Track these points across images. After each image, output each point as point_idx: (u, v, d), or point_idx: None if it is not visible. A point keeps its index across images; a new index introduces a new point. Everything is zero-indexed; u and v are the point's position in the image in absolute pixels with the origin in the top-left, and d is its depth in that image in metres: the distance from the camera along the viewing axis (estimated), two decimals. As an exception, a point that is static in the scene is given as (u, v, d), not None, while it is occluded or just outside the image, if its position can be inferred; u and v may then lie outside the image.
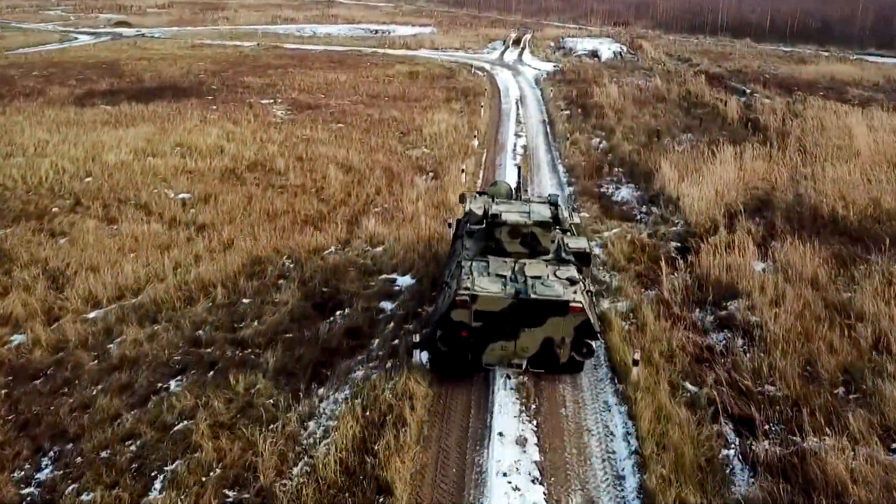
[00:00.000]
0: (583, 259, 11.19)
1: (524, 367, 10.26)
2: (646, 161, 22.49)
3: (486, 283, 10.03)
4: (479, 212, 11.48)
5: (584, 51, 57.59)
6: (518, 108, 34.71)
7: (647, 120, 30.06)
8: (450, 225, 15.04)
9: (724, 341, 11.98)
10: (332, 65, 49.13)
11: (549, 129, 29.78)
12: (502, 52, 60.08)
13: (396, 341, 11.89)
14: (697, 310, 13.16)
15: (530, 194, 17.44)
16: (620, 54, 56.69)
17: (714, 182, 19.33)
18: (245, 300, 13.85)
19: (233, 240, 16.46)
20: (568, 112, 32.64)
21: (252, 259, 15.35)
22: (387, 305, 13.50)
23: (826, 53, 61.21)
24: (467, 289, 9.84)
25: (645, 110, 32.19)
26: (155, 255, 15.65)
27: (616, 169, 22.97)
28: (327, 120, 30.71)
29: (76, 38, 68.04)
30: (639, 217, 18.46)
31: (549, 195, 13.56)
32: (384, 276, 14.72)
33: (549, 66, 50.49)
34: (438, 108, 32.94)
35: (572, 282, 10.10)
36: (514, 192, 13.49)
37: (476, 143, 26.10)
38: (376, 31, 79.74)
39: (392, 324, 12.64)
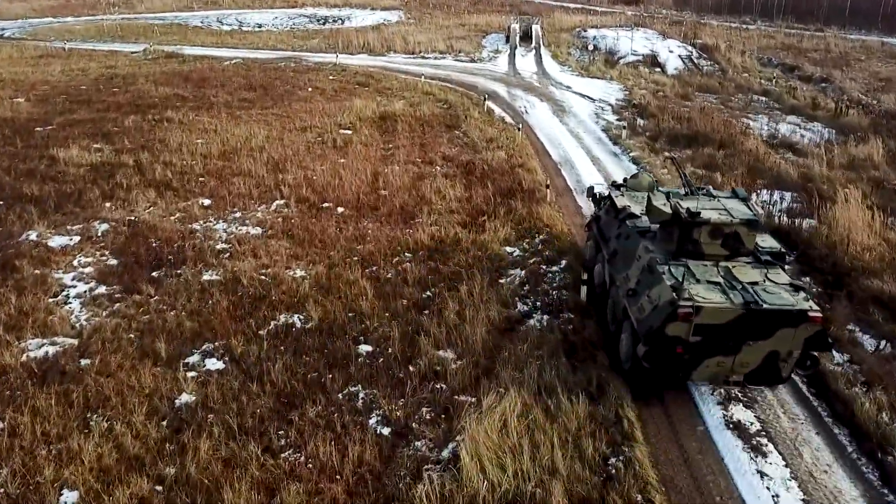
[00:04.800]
0: (779, 259, 10.02)
1: (741, 383, 9.37)
2: None
3: (703, 291, 8.92)
4: (666, 209, 10.03)
5: (634, 55, 38.61)
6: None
7: None
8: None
9: None
10: (247, 97, 29.18)
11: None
12: (511, 57, 40.72)
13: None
14: None
15: None
16: (692, 59, 37.91)
17: None
18: None
19: None
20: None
21: None
22: None
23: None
24: (689, 299, 8.64)
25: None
26: None
27: None
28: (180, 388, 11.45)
29: None
30: None
31: (734, 188, 11.45)
32: None
33: (599, 88, 31.56)
34: (470, 273, 13.88)
35: (795, 287, 9.14)
36: (655, 184, 12.73)
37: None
38: (324, 21, 59.31)
39: None
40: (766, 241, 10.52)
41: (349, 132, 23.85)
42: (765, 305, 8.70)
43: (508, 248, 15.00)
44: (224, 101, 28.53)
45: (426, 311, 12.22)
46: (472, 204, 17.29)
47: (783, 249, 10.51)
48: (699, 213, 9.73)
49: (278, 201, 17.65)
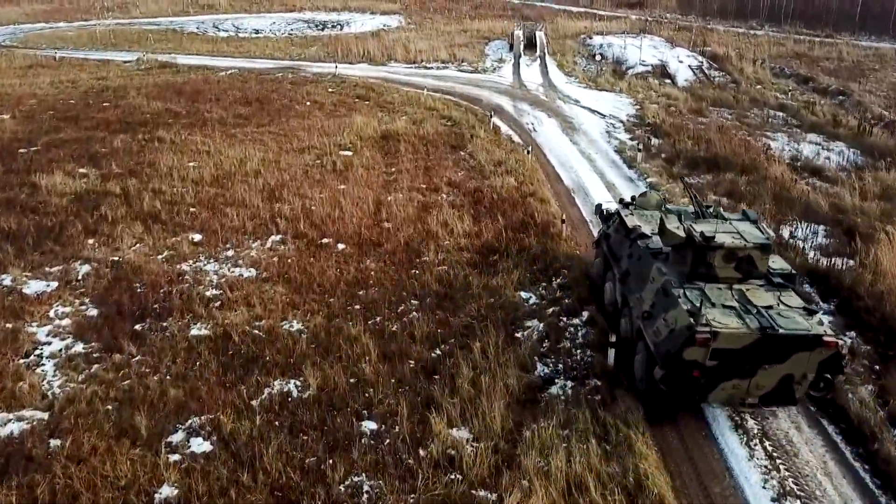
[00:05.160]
0: (789, 280, 10.09)
1: (756, 405, 9.45)
2: None
3: (720, 316, 9.02)
4: (680, 232, 10.23)
5: (643, 65, 37.44)
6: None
7: None
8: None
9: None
10: (243, 113, 28.00)
11: None
12: (515, 67, 39.53)
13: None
14: None
15: None
16: (702, 70, 36.74)
17: None
18: None
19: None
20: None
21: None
22: None
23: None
24: (707, 324, 8.78)
25: None
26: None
27: None
28: None
29: None
30: None
31: (745, 209, 11.52)
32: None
33: (609, 102, 30.45)
34: (483, 326, 12.74)
35: (809, 311, 9.20)
36: (665, 203, 12.93)
37: None
38: (323, 26, 58.13)
39: None
40: (777, 263, 10.54)
41: (349, 153, 22.68)
42: (781, 330, 8.77)
43: (524, 294, 13.81)
44: (218, 117, 27.37)
45: (436, 376, 11.02)
46: (482, 240, 16.10)
47: (793, 271, 10.60)
48: (713, 237, 9.74)
49: (274, 237, 16.45)
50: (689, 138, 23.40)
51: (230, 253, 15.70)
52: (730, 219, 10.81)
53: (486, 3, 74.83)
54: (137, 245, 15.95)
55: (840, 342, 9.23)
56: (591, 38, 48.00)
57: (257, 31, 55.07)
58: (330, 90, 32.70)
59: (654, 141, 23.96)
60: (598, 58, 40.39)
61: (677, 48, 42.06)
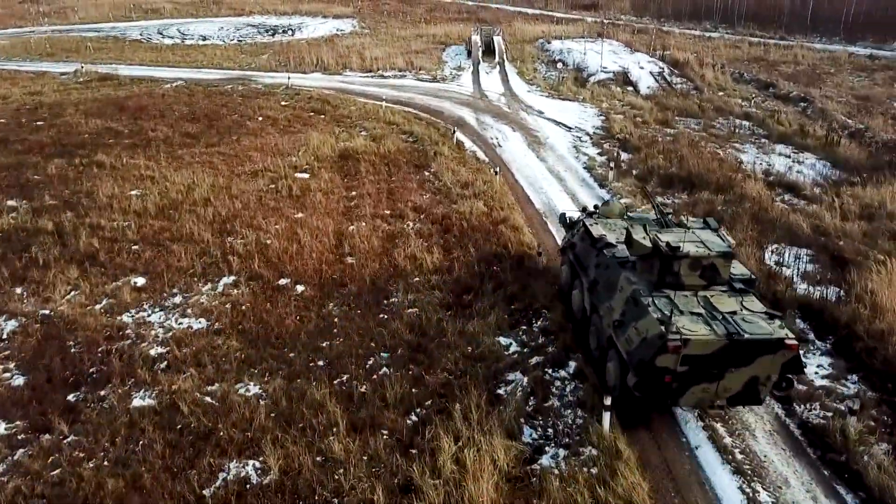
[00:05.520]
0: (749, 285, 10.62)
1: (724, 406, 9.95)
2: None
3: (689, 324, 9.40)
4: (647, 243, 10.56)
5: (605, 72, 36.78)
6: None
7: None
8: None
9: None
10: (190, 131, 26.27)
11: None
12: (475, 75, 38.46)
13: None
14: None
15: None
16: (664, 77, 36.29)
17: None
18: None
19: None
20: None
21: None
22: None
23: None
24: (677, 332, 9.12)
25: None
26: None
27: None
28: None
29: None
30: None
31: (706, 217, 12.04)
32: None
33: (573, 113, 29.71)
34: (462, 384, 11.61)
35: (771, 316, 9.74)
36: (627, 211, 13.63)
37: None
38: (274, 32, 56.12)
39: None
40: (737, 269, 10.95)
41: (306, 176, 21.31)
42: (746, 335, 9.20)
43: (503, 340, 12.74)
44: (164, 136, 25.65)
45: (413, 450, 9.84)
46: (454, 276, 14.96)
47: (753, 276, 11.10)
48: (679, 247, 10.10)
49: (226, 279, 15.03)
50: (660, 153, 22.69)
51: (178, 299, 14.25)
52: (692, 227, 11.18)
53: (440, 6, 73.68)
54: (72, 293, 14.36)
55: (799, 343, 9.64)
56: (549, 42, 47.28)
57: (205, 38, 52.79)
58: (283, 103, 31.13)
59: (624, 156, 23.17)
60: (559, 65, 39.61)
61: (637, 53, 41.63)
